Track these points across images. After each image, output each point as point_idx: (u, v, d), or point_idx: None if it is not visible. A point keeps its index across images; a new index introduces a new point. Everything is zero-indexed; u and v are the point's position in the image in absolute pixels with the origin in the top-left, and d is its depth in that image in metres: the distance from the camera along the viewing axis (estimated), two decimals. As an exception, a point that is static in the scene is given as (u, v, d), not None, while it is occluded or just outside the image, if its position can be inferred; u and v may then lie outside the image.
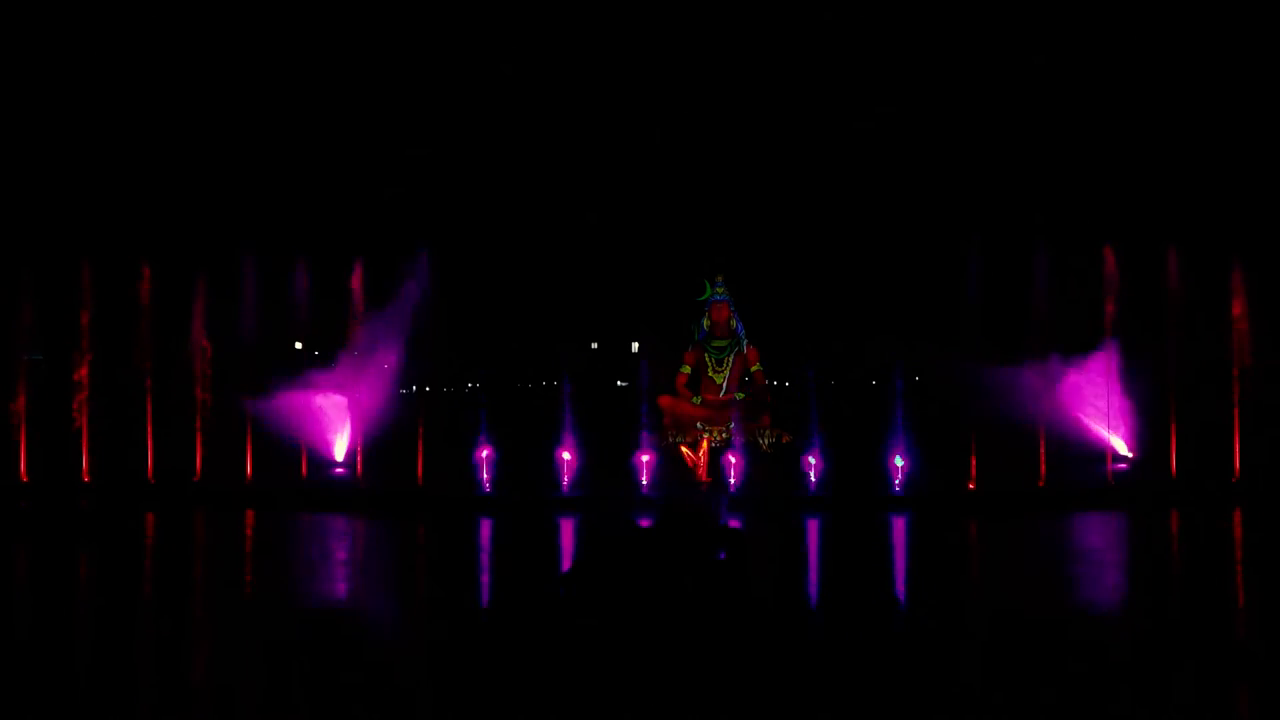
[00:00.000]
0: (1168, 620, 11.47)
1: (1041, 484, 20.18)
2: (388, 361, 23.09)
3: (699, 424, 23.23)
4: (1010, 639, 10.59)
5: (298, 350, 23.84)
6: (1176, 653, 10.13)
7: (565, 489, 19.78)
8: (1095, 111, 41.45)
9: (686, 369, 24.52)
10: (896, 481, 19.59)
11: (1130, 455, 22.78)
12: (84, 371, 21.89)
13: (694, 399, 23.91)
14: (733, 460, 20.15)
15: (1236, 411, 20.82)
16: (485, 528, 17.92)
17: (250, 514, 19.07)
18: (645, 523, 17.94)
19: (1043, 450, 20.66)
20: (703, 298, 24.60)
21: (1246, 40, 38.31)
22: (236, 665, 10.00)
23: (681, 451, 21.65)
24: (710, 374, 24.17)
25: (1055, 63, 41.86)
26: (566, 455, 20.18)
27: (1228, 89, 38.86)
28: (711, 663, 9.49)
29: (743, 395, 23.66)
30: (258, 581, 14.06)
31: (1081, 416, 22.74)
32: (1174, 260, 21.36)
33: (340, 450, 23.28)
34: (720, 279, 24.42)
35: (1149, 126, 39.71)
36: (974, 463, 19.99)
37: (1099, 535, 17.34)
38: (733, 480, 19.95)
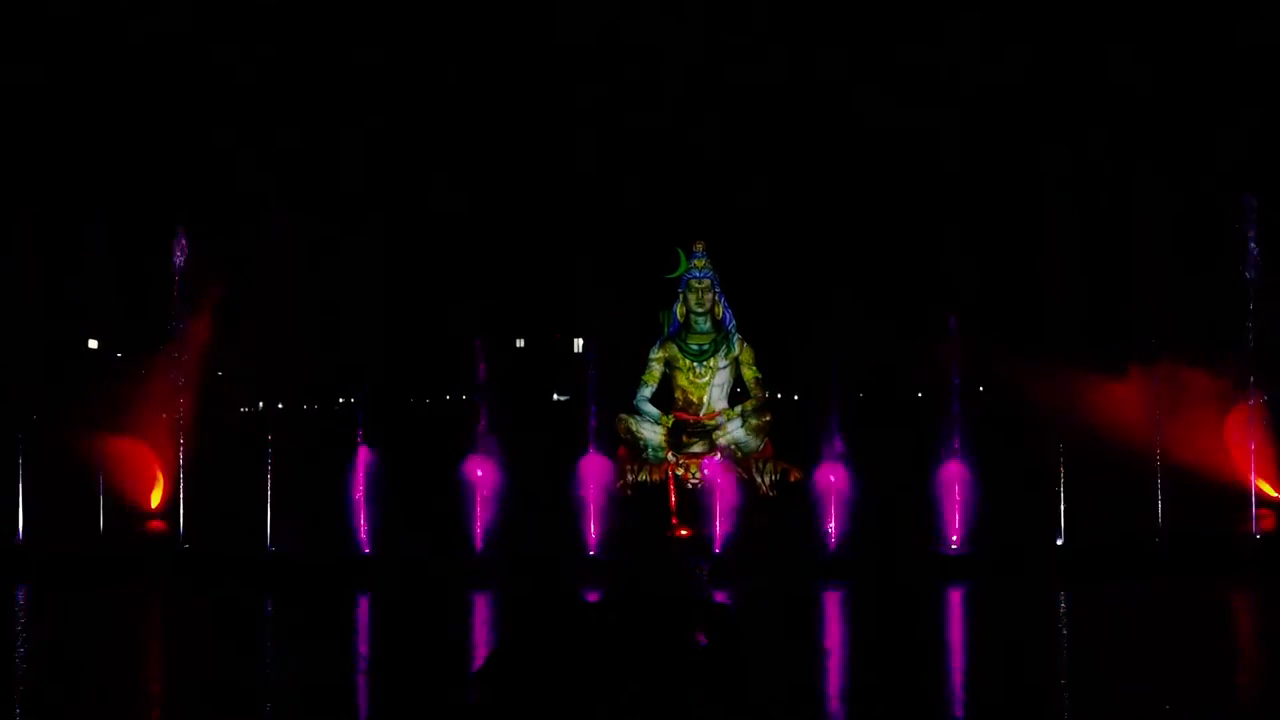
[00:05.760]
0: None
1: (1158, 538, 19.83)
2: (221, 368, 22.50)
3: (670, 455, 22.58)
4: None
5: (91, 351, 23.21)
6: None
7: (478, 548, 19.18)
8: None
9: (653, 375, 23.79)
10: (953, 537, 19.14)
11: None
12: None
13: (663, 419, 23.27)
14: (719, 506, 19.63)
15: None
16: (363, 604, 17.70)
17: (20, 589, 18.60)
18: (593, 596, 17.49)
19: (1158, 492, 20.34)
20: (675, 274, 23.77)
21: None
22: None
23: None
24: (686, 382, 23.35)
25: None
26: (480, 499, 19.63)
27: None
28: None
29: (733, 413, 23.10)
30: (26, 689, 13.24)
31: (1205, 445, 22.44)
32: None
33: (154, 497, 22.67)
34: (700, 248, 23.66)
35: None
36: (1063, 510, 19.63)
37: (1245, 612, 17.04)
38: (719, 534, 19.38)
